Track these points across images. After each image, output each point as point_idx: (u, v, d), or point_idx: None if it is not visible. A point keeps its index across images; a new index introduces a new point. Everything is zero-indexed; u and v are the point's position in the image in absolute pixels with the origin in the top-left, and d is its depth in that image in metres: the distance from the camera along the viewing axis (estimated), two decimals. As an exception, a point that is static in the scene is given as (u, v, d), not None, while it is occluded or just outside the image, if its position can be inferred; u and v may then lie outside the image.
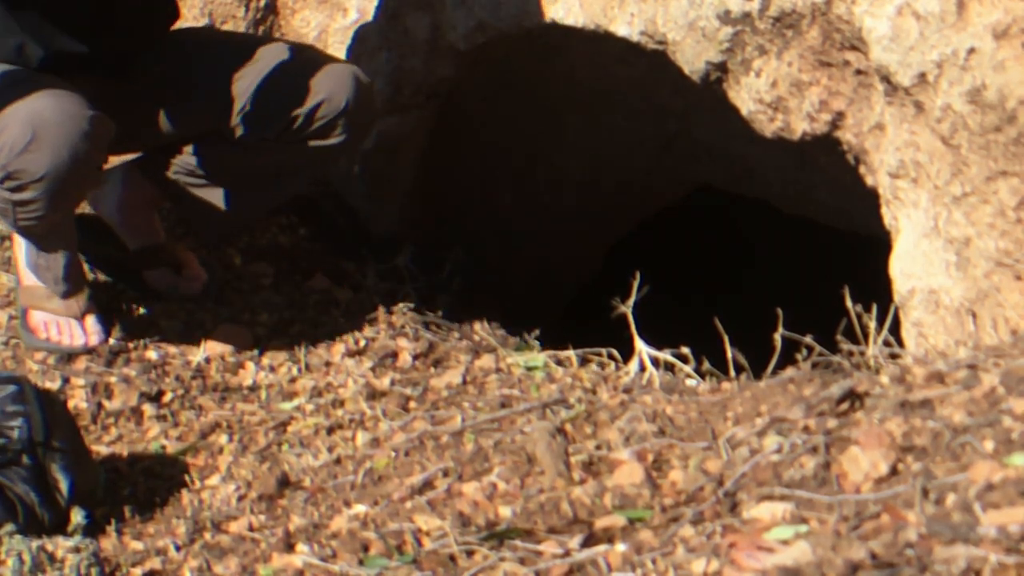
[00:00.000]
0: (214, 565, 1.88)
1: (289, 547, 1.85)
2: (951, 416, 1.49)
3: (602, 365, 2.79)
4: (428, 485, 1.95)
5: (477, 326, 3.02)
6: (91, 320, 2.79)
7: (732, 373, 2.07)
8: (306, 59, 2.78)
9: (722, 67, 2.59)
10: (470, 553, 1.63)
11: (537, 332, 2.84)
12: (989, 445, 1.39)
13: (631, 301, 2.14)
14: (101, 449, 2.47)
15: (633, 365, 2.19)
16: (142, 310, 2.97)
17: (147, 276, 3.00)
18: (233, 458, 2.41)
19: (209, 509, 2.17)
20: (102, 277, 2.96)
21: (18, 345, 2.81)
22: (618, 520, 1.59)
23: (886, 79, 2.25)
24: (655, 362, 2.15)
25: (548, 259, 3.73)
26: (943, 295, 2.19)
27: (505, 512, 1.73)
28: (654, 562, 1.42)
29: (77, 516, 2.09)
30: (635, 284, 2.15)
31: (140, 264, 2.96)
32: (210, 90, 2.75)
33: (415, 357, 2.79)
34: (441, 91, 3.16)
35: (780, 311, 1.99)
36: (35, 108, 2.46)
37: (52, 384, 2.60)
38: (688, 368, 2.11)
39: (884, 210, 2.40)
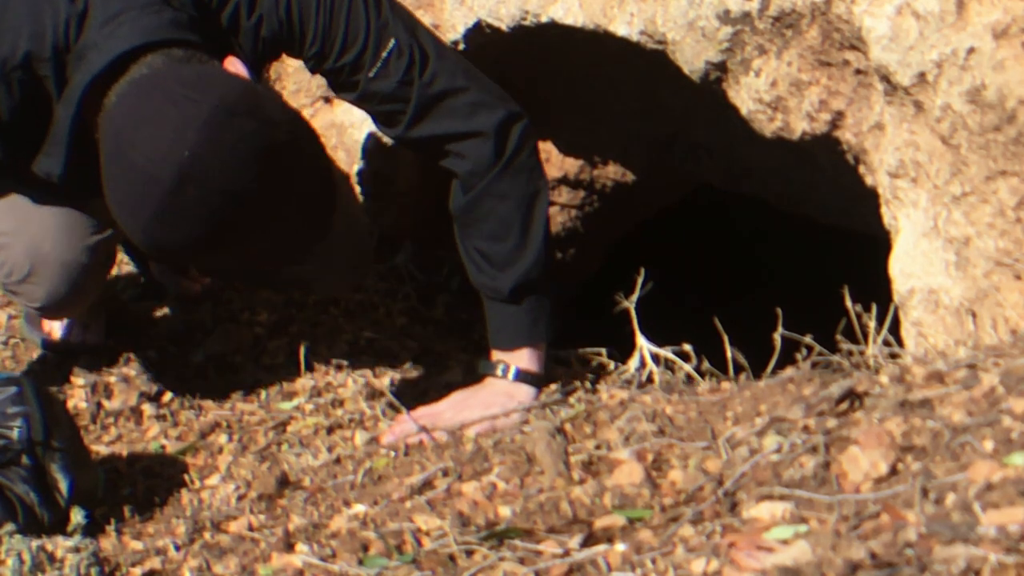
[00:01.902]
0: (214, 565, 1.88)
1: (289, 547, 1.85)
2: (951, 416, 1.49)
3: (602, 364, 2.80)
4: (428, 485, 1.96)
5: (477, 326, 3.02)
6: (92, 322, 2.80)
7: (732, 373, 2.07)
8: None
9: (721, 67, 2.59)
10: (470, 553, 1.63)
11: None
12: (989, 445, 1.39)
13: (634, 297, 2.14)
14: (101, 449, 2.47)
15: (633, 362, 2.19)
16: (141, 310, 2.97)
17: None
18: (233, 458, 2.41)
19: (209, 509, 2.17)
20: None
21: (18, 345, 2.81)
22: (618, 520, 1.59)
23: (886, 79, 2.26)
24: (656, 359, 2.15)
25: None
26: (943, 295, 2.19)
27: (505, 512, 1.74)
28: (654, 562, 1.42)
29: (77, 516, 2.09)
30: (639, 280, 2.15)
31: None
32: None
33: (414, 357, 2.79)
34: (441, 91, 3.16)
35: (779, 311, 1.99)
36: (35, 238, 2.46)
37: (52, 384, 2.60)
38: (688, 367, 2.11)
39: (884, 210, 2.40)
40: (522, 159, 2.38)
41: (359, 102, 2.38)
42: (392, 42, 2.31)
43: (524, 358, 2.38)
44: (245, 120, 1.97)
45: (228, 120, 1.95)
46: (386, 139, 3.17)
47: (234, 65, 2.16)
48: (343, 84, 2.36)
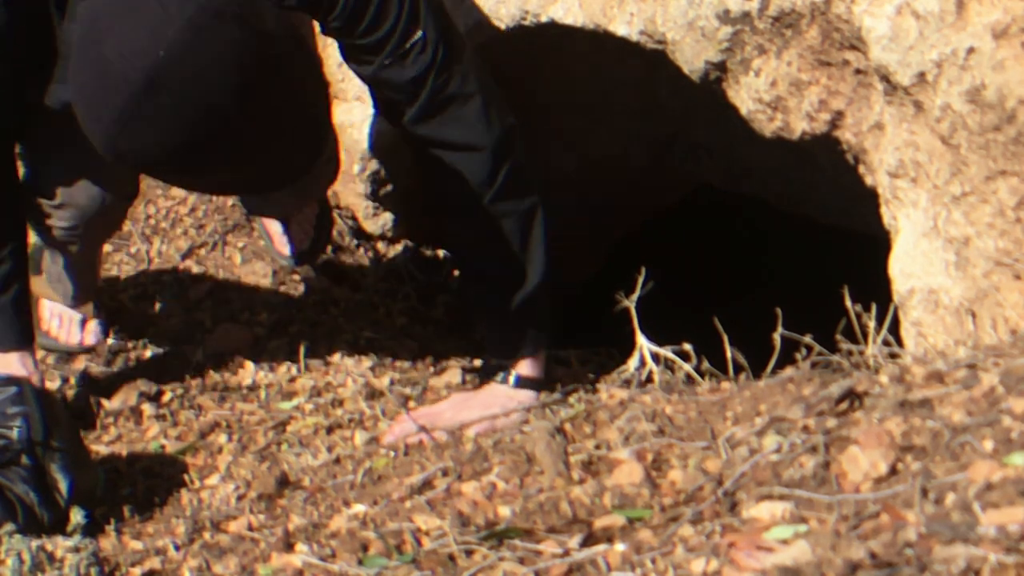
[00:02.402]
0: (213, 565, 1.88)
1: (288, 547, 1.85)
2: (950, 416, 1.49)
3: (602, 364, 2.79)
4: (427, 485, 1.96)
5: (476, 326, 3.02)
6: (92, 323, 2.80)
7: (731, 373, 2.07)
8: None
9: (721, 67, 2.59)
10: (469, 553, 1.63)
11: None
12: (988, 445, 1.39)
13: (634, 296, 2.14)
14: (100, 449, 2.47)
15: (633, 362, 2.19)
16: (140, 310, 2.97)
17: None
18: (232, 458, 2.41)
19: (208, 509, 2.17)
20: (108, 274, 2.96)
21: (18, 345, 2.81)
22: (617, 520, 1.59)
23: (885, 79, 2.26)
24: (656, 359, 2.15)
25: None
26: (942, 295, 2.19)
27: (504, 512, 1.73)
28: (653, 562, 1.42)
29: (76, 516, 2.09)
30: (639, 280, 2.15)
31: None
32: None
33: (414, 356, 2.79)
34: (440, 91, 3.16)
35: (779, 311, 1.99)
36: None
37: (51, 384, 2.60)
38: (688, 367, 2.11)
39: (883, 210, 2.40)
40: (518, 176, 2.34)
41: (366, 81, 2.31)
42: (419, 34, 2.22)
43: (525, 364, 2.38)
44: (235, 26, 1.79)
45: (214, 22, 1.77)
46: (386, 140, 3.17)
47: None
48: (357, 58, 2.27)
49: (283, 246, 3.06)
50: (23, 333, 2.43)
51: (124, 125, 1.79)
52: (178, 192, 3.51)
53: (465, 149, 2.30)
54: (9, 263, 2.40)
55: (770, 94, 2.53)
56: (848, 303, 1.95)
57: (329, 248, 3.21)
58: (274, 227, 3.06)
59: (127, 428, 2.56)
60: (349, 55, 2.28)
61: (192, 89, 1.77)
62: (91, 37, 1.82)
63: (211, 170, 1.90)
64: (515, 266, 2.35)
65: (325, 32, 2.27)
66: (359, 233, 3.33)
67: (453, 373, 2.71)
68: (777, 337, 1.99)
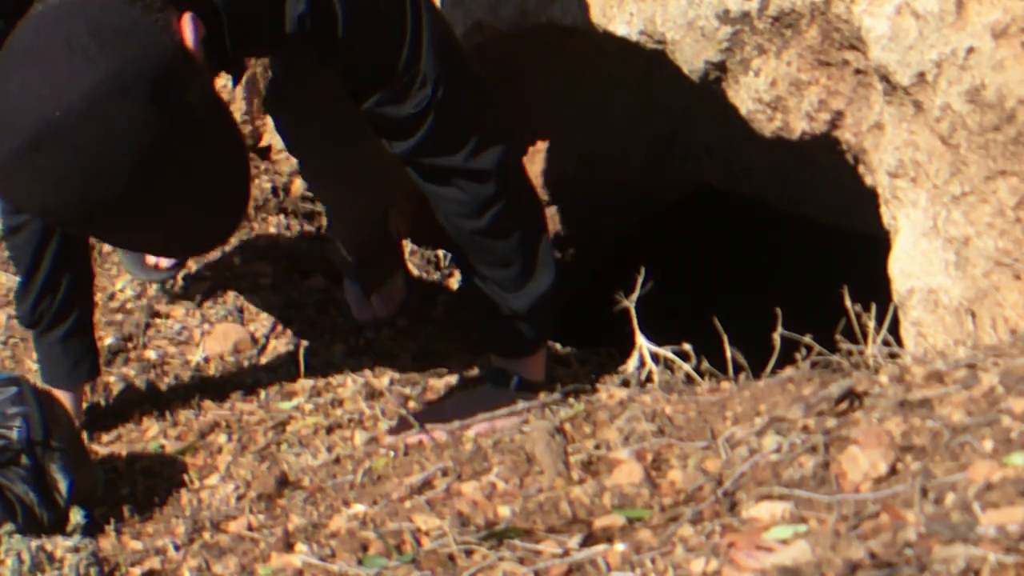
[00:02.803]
0: (213, 565, 1.88)
1: (288, 547, 1.85)
2: (950, 415, 1.49)
3: (602, 364, 2.79)
4: (427, 485, 1.95)
5: (479, 324, 3.02)
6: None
7: (731, 373, 2.07)
8: None
9: (721, 66, 2.59)
10: (469, 553, 1.63)
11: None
12: (988, 444, 1.39)
13: (634, 296, 2.14)
14: (100, 449, 2.47)
15: (633, 361, 2.19)
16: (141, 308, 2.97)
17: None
18: (232, 457, 2.41)
19: (208, 509, 2.17)
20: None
21: (17, 345, 2.81)
22: (617, 520, 1.59)
23: (885, 78, 2.26)
24: (655, 359, 2.15)
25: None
26: (942, 294, 2.19)
27: (504, 512, 1.73)
28: (653, 561, 1.42)
29: (76, 516, 2.09)
30: (639, 280, 2.15)
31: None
32: None
33: (414, 356, 2.79)
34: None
35: (779, 311, 1.99)
36: None
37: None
38: (688, 367, 2.11)
39: (883, 209, 2.40)
40: (519, 192, 2.33)
41: (363, 114, 2.24)
42: (420, 68, 2.15)
43: (527, 367, 2.37)
44: (143, 103, 1.70)
45: (120, 98, 1.69)
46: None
47: (187, 26, 1.82)
48: (352, 92, 2.22)
49: (361, 312, 3.00)
50: (71, 373, 2.45)
51: (6, 171, 1.74)
52: (178, 192, 3.51)
53: (468, 175, 2.27)
54: (61, 296, 2.43)
55: (770, 94, 2.53)
56: (848, 303, 1.95)
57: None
58: (353, 293, 3.02)
59: (127, 428, 2.56)
60: (348, 86, 2.23)
61: (77, 160, 1.70)
62: (3, 66, 1.76)
63: (103, 231, 1.86)
64: (522, 271, 2.35)
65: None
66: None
67: (453, 373, 2.71)
68: (777, 337, 1.99)
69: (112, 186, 1.72)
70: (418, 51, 2.16)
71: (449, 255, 3.34)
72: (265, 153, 3.56)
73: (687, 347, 2.12)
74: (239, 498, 2.18)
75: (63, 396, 2.42)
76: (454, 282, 3.35)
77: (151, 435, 2.53)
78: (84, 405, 2.56)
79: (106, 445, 2.49)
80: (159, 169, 1.73)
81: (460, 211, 2.30)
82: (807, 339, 1.95)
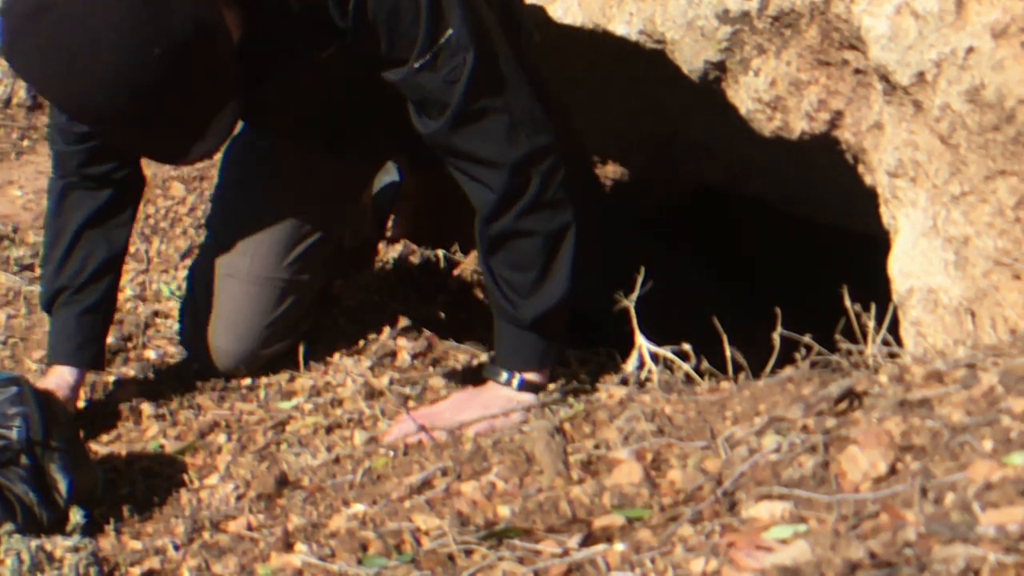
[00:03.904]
0: (212, 564, 1.88)
1: (288, 546, 1.85)
2: (950, 415, 1.49)
3: (601, 364, 2.79)
4: (427, 484, 1.95)
5: (477, 326, 3.02)
6: None
7: (731, 372, 2.07)
8: None
9: (721, 66, 2.59)
10: (469, 552, 1.63)
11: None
12: (988, 444, 1.39)
13: (634, 296, 2.14)
14: (99, 448, 2.47)
15: (632, 361, 2.19)
16: (140, 310, 2.97)
17: None
18: (232, 457, 2.41)
19: (208, 508, 2.17)
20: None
21: (17, 345, 2.81)
22: (617, 519, 1.59)
23: (885, 78, 2.26)
24: (655, 359, 2.15)
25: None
26: (942, 294, 2.19)
27: (504, 511, 1.73)
28: (653, 561, 1.42)
29: (76, 516, 2.09)
30: (638, 280, 2.15)
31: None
32: None
33: (414, 356, 2.79)
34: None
35: (779, 310, 1.99)
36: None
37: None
38: (687, 367, 2.11)
39: (883, 209, 2.40)
40: (548, 196, 2.31)
41: (399, 87, 2.28)
42: (449, 32, 2.20)
43: (532, 371, 2.37)
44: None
45: None
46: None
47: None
48: (385, 63, 2.26)
49: None
50: (80, 350, 2.50)
51: (14, 37, 1.97)
52: (177, 192, 3.51)
53: (492, 165, 2.28)
54: (87, 275, 2.52)
55: (769, 94, 2.53)
56: (847, 303, 1.95)
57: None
58: None
59: (126, 428, 2.56)
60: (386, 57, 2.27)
61: (71, 32, 1.92)
62: None
63: (82, 108, 2.04)
64: (536, 279, 2.33)
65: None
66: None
67: (453, 373, 2.71)
68: (776, 337, 1.99)
69: (99, 54, 1.94)
70: (440, 13, 2.20)
71: (447, 256, 3.34)
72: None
73: (686, 347, 2.12)
74: (239, 498, 2.18)
75: (64, 372, 2.48)
76: (454, 282, 3.35)
77: (151, 435, 2.53)
78: (82, 394, 2.57)
79: (106, 445, 2.49)
80: (141, 50, 1.96)
81: (487, 200, 2.30)
82: (807, 339, 1.95)
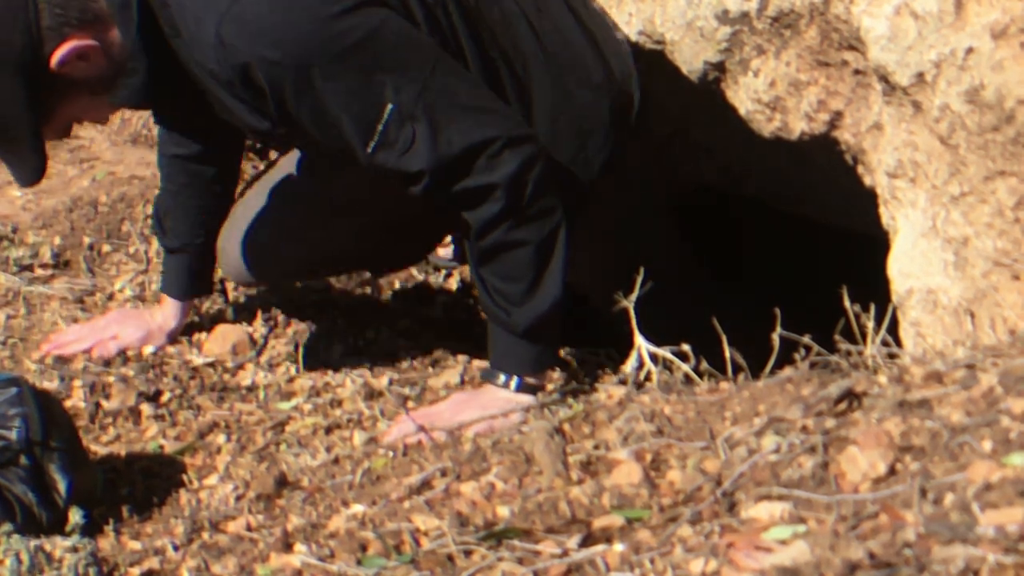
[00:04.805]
0: (212, 565, 1.88)
1: (287, 547, 1.85)
2: (949, 416, 1.49)
3: (601, 364, 2.79)
4: (426, 485, 1.95)
5: (476, 326, 3.02)
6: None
7: (730, 373, 2.07)
8: None
9: (720, 67, 2.59)
10: (468, 553, 1.63)
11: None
12: (987, 445, 1.39)
13: (633, 296, 2.14)
14: (99, 449, 2.47)
15: (632, 362, 2.19)
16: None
17: None
18: (231, 458, 2.41)
19: (207, 509, 2.17)
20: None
21: (16, 345, 2.81)
22: (616, 520, 1.59)
23: (884, 79, 2.26)
24: (654, 359, 2.15)
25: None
26: (941, 295, 2.19)
27: (503, 512, 1.73)
28: (652, 562, 1.42)
29: (75, 516, 2.09)
30: (638, 280, 2.15)
31: None
32: None
33: (413, 357, 2.79)
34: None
35: (778, 311, 1.99)
36: None
37: (50, 384, 2.60)
38: (686, 367, 2.11)
39: (882, 210, 2.40)
40: (539, 204, 2.31)
41: (367, 169, 2.29)
42: (389, 108, 2.19)
43: (529, 375, 2.36)
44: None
45: None
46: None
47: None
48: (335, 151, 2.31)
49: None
50: (191, 286, 2.80)
51: None
52: (177, 192, 3.50)
53: (482, 190, 2.28)
54: (199, 217, 2.74)
55: (769, 94, 2.53)
56: (847, 303, 1.95)
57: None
58: None
59: (125, 428, 2.55)
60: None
61: None
62: None
63: None
64: (528, 288, 2.33)
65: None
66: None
67: (452, 373, 2.71)
68: (776, 337, 1.99)
69: None
70: (384, 98, 2.20)
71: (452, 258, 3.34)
72: (263, 153, 3.56)
73: (686, 347, 2.12)
74: (238, 498, 2.18)
75: (175, 304, 2.78)
76: (454, 283, 3.35)
77: (150, 435, 2.53)
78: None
79: (105, 445, 2.49)
80: None
81: (481, 219, 2.30)
82: (806, 339, 1.95)
